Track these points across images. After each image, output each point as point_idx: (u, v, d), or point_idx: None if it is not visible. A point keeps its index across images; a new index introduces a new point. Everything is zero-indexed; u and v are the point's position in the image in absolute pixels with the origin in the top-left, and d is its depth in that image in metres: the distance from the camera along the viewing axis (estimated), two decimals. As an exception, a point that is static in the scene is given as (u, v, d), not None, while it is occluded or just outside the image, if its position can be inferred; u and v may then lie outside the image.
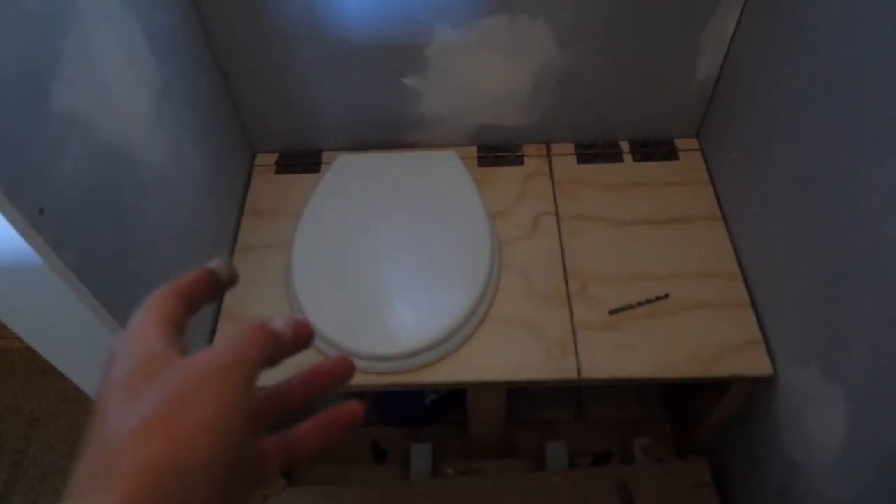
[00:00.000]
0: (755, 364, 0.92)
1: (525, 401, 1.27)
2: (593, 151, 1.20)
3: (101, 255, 0.69)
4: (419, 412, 1.23)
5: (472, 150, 1.20)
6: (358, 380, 0.94)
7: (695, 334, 0.96)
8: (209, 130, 1.03)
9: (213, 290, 0.36)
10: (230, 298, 1.03)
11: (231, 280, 0.36)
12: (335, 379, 0.34)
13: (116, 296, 0.70)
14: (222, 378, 0.27)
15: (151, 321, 0.31)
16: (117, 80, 0.76)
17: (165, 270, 0.86)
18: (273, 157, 1.22)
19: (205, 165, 1.00)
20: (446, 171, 1.11)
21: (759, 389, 0.97)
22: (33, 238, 0.57)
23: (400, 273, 1.00)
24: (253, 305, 1.02)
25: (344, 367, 0.34)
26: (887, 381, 0.69)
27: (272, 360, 0.30)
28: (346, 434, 0.34)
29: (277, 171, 1.20)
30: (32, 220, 0.57)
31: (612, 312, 0.98)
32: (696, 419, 1.13)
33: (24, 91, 0.59)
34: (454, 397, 1.21)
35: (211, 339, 0.99)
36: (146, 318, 0.31)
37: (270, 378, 0.32)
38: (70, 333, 0.69)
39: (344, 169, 1.13)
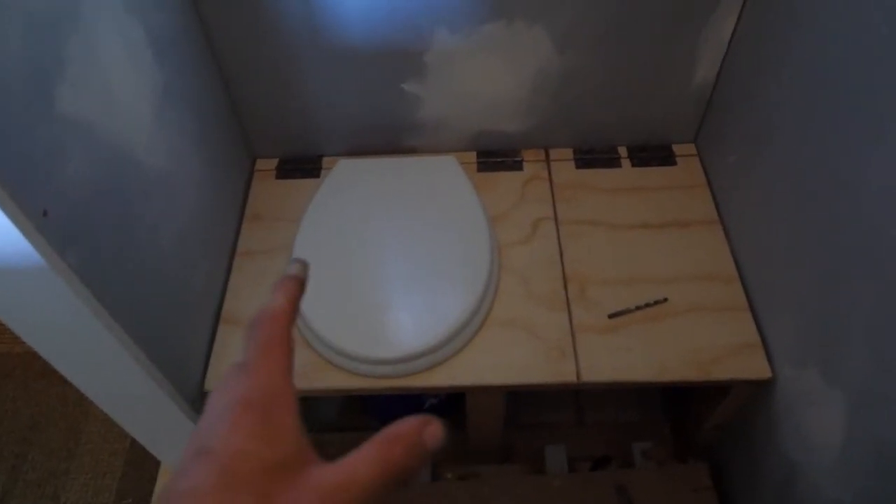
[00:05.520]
0: (754, 367, 0.93)
1: (524, 405, 1.27)
2: (592, 157, 1.20)
3: (102, 257, 0.70)
4: (419, 416, 1.23)
5: (472, 156, 1.21)
6: (357, 383, 0.94)
7: (693, 338, 0.96)
8: (210, 135, 1.04)
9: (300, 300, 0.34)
10: (230, 302, 1.04)
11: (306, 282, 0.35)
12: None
13: (117, 297, 0.71)
14: None
15: (283, 375, 0.30)
16: (120, 83, 0.76)
17: (165, 273, 0.86)
18: (273, 163, 1.22)
19: (206, 169, 1.01)
20: (446, 176, 1.12)
21: (758, 392, 0.97)
22: (37, 240, 0.57)
23: (400, 277, 1.00)
24: (253, 309, 1.02)
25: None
26: (886, 381, 0.69)
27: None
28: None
29: (278, 176, 1.21)
30: (36, 222, 0.57)
31: (611, 316, 0.99)
32: (696, 423, 1.14)
33: (29, 93, 0.60)
34: (453, 401, 1.21)
35: (211, 343, 0.99)
36: (277, 372, 0.30)
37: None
38: (71, 335, 0.69)
39: (344, 174, 1.13)
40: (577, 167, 1.19)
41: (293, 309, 0.34)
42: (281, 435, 0.28)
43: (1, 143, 0.55)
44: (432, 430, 0.29)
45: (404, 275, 1.00)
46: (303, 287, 0.35)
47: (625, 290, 1.01)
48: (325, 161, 1.22)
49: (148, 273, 0.81)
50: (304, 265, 0.37)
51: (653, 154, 1.20)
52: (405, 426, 0.29)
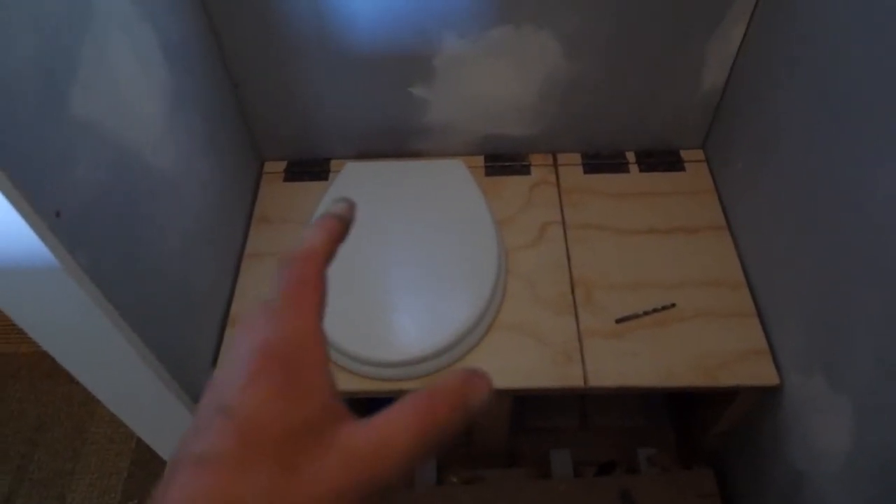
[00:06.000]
0: (761, 374, 0.93)
1: (529, 409, 1.27)
2: (599, 161, 1.20)
3: (112, 258, 0.70)
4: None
5: (479, 160, 1.21)
6: (364, 386, 0.94)
7: (701, 343, 0.96)
8: (218, 138, 1.04)
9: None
10: (238, 303, 1.04)
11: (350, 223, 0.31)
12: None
13: (126, 297, 0.71)
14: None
15: (313, 321, 0.26)
16: (131, 86, 0.77)
17: (173, 274, 0.87)
18: (281, 165, 1.23)
19: (214, 172, 1.01)
20: (453, 179, 1.12)
21: (764, 399, 0.97)
22: (50, 240, 0.57)
23: (407, 280, 1.00)
24: (260, 311, 1.02)
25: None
26: (892, 388, 0.69)
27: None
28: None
29: (286, 179, 1.21)
30: (49, 222, 0.58)
31: (618, 321, 0.99)
32: (702, 429, 1.14)
33: (42, 95, 0.60)
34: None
35: (218, 344, 0.99)
36: (307, 317, 0.26)
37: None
38: (81, 334, 0.69)
39: (351, 177, 1.14)
40: (585, 172, 1.19)
41: (332, 250, 0.29)
42: (308, 391, 0.24)
43: (15, 144, 0.55)
44: (479, 382, 0.25)
45: (411, 278, 1.00)
46: (347, 229, 0.31)
47: (632, 295, 1.01)
48: (333, 164, 1.22)
49: (156, 273, 0.81)
50: (351, 205, 0.31)
51: (660, 159, 1.20)
52: (451, 380, 0.25)
